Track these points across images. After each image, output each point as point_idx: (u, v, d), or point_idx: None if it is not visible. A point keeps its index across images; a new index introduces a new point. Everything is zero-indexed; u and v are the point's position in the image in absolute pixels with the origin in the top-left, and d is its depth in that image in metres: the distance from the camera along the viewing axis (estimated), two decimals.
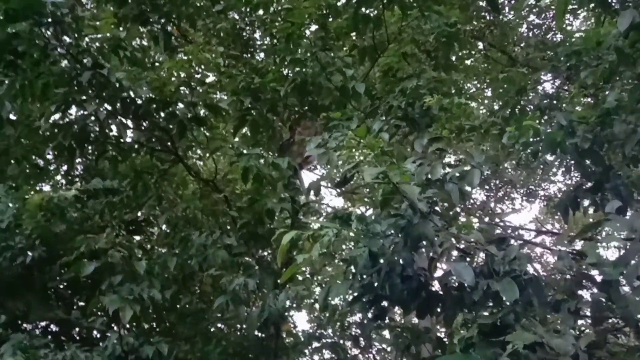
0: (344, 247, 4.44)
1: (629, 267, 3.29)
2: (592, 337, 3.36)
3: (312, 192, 5.82)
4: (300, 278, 6.94)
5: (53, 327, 7.49)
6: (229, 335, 7.48)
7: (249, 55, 6.72)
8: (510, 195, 11.64)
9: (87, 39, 5.66)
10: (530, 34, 10.97)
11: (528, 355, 3.12)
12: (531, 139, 4.32)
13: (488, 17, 9.81)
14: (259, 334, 6.88)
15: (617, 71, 6.48)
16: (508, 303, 3.65)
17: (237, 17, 6.62)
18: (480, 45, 10.53)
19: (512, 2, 9.85)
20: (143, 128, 6.25)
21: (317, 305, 7.41)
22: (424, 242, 4.01)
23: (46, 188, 7.91)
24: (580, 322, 3.90)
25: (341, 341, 6.59)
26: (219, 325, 7.82)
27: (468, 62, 10.40)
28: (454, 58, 8.83)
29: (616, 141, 4.33)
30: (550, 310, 3.72)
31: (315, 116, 6.40)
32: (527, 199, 11.38)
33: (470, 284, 3.50)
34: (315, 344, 6.56)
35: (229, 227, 6.45)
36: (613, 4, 5.11)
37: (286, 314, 5.74)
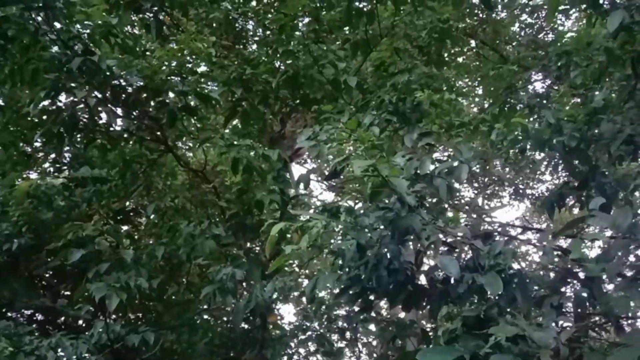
0: (332, 239, 4.47)
1: (610, 264, 3.34)
2: (573, 331, 3.41)
3: (301, 185, 5.83)
4: (288, 270, 6.96)
5: (38, 315, 7.46)
6: (215, 326, 7.49)
7: (242, 46, 6.69)
8: (499, 193, 11.75)
9: (78, 25, 5.61)
10: (522, 32, 11.04)
11: (510, 347, 3.16)
12: (519, 137, 4.37)
13: (481, 15, 9.85)
14: (245, 326, 6.89)
15: (607, 72, 6.56)
16: (492, 297, 3.71)
17: (229, 7, 6.59)
18: (473, 42, 10.58)
19: (505, 0, 9.90)
20: (133, 117, 6.21)
21: (304, 298, 7.43)
22: (411, 236, 4.05)
23: (34, 175, 7.85)
24: (563, 317, 3.97)
25: (327, 334, 6.62)
26: (206, 316, 7.83)
27: (460, 59, 10.46)
28: (446, 55, 8.89)
29: (602, 140, 4.39)
30: (533, 305, 3.77)
31: (307, 109, 6.40)
32: (515, 197, 11.50)
33: (456, 277, 3.54)
34: (301, 336, 6.59)
35: (217, 218, 6.45)
36: (604, 5, 5.16)
37: (273, 305, 5.77)
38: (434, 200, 5.68)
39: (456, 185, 4.53)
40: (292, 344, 7.23)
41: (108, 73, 5.43)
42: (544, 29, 10.85)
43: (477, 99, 11.28)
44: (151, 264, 5.43)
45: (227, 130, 7.00)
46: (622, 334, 3.62)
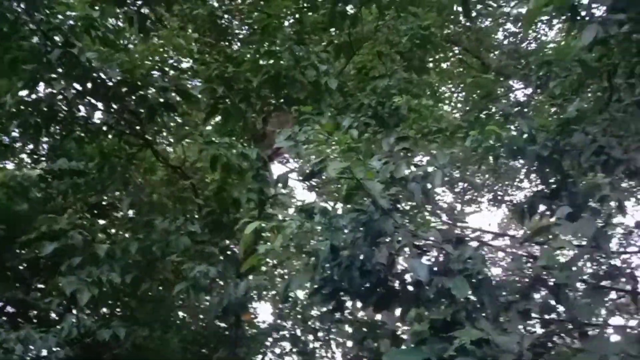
0: (310, 240, 4.50)
1: (571, 272, 3.43)
2: (536, 336, 3.49)
3: (281, 184, 5.84)
4: (265, 269, 6.97)
5: (9, 308, 7.37)
6: (190, 323, 7.47)
7: (227, 43, 6.68)
8: (477, 199, 11.87)
9: (59, 16, 5.55)
10: (506, 41, 11.18)
11: (474, 350, 3.22)
12: (494, 144, 4.44)
13: (465, 22, 9.95)
14: (220, 324, 6.88)
15: (585, 83, 6.70)
16: (461, 301, 3.77)
17: (215, 4, 6.57)
18: (457, 49, 10.68)
19: (489, 9, 10.02)
20: (112, 110, 6.17)
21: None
22: (384, 238, 4.10)
23: (10, 166, 7.75)
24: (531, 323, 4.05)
25: (302, 333, 6.65)
26: (181, 313, 7.80)
27: (444, 65, 10.56)
28: (431, 60, 8.98)
29: (574, 150, 4.48)
30: (501, 310, 3.84)
31: (289, 109, 6.41)
32: (493, 203, 11.63)
33: (424, 279, 3.60)
34: (275, 335, 6.61)
35: (196, 215, 6.44)
36: (585, 17, 5.26)
37: (247, 304, 5.77)
38: (413, 204, 5.76)
39: (436, 189, 4.60)
40: (267, 343, 7.24)
41: (88, 66, 5.38)
42: (527, 39, 11.00)
43: (459, 105, 11.40)
44: (125, 259, 5.40)
45: (209, 128, 6.99)
46: (585, 339, 3.70)
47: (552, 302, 3.91)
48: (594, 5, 5.03)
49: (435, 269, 3.83)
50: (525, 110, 7.55)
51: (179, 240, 5.19)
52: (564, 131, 4.45)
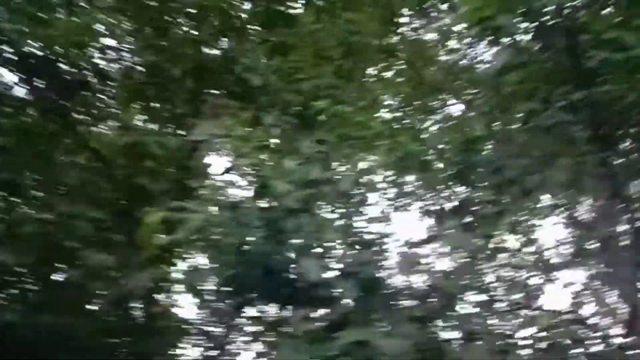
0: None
1: (458, 281, 3.62)
2: (417, 339, 3.64)
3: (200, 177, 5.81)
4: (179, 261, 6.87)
5: None
6: (101, 312, 7.23)
7: (155, 30, 6.52)
8: (406, 207, 12.15)
9: None
10: (447, 57, 11.53)
11: (356, 352, 3.34)
12: (404, 156, 4.63)
13: (404, 34, 10.19)
14: (134, 314, 6.72)
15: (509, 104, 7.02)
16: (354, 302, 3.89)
17: None
18: (400, 59, 10.91)
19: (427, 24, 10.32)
20: (33, 86, 5.92)
21: None
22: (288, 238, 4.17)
23: None
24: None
25: (212, 328, 6.62)
26: (95, 300, 7.54)
27: (388, 74, 10.78)
28: (374, 68, 9.10)
29: (477, 169, 4.73)
30: (391, 314, 3.99)
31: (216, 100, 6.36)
32: (421, 211, 11.95)
33: (315, 280, 3.70)
34: (186, 327, 6.55)
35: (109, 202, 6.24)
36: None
37: (151, 295, 5.69)
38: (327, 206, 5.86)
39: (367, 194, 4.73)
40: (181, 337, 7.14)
41: (5, 38, 5.15)
42: (466, 56, 11.39)
43: (398, 114, 11.63)
44: (26, 241, 5.19)
45: (140, 116, 6.82)
46: (464, 347, 3.90)
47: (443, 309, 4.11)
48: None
49: (332, 270, 3.95)
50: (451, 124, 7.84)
51: (81, 225, 5.05)
52: (468, 149, 4.69)
